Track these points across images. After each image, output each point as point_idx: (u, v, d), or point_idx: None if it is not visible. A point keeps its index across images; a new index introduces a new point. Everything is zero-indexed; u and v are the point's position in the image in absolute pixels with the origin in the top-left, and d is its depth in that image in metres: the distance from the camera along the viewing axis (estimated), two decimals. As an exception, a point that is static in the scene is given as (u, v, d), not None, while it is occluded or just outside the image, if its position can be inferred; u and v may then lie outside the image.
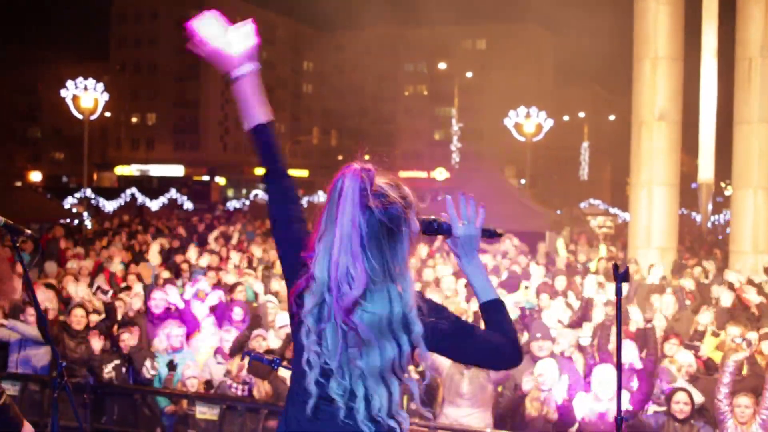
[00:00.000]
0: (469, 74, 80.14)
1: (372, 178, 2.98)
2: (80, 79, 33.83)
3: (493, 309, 3.19)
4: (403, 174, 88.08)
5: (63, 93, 34.02)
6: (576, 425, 8.23)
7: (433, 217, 3.22)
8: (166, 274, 14.40)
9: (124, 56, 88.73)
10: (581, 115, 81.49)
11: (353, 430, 2.97)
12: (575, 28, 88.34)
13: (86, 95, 33.78)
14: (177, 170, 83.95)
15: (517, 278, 13.01)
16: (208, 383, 9.36)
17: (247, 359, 4.58)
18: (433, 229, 3.20)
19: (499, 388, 8.85)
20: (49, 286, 12.13)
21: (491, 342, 3.14)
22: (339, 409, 2.95)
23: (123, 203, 42.77)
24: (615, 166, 77.50)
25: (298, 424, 3.05)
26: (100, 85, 34.39)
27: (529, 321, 10.33)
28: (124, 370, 9.59)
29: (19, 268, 4.00)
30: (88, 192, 38.24)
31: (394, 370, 2.96)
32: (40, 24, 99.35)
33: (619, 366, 3.35)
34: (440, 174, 73.45)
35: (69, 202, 36.81)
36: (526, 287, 13.11)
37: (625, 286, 15.58)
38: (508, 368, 3.28)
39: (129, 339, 9.67)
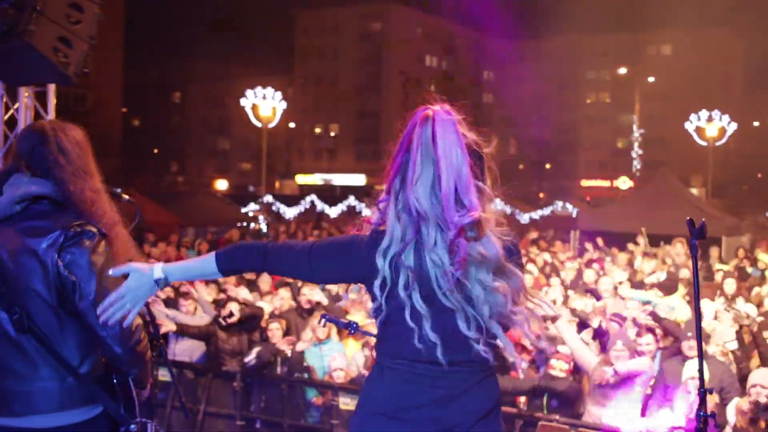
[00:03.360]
0: (651, 79, 78.02)
1: (459, 120, 3.06)
2: (259, 88, 34.95)
3: None
4: (585, 183, 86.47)
5: (243, 102, 35.24)
6: (730, 428, 7.86)
7: None
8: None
9: (307, 69, 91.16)
10: (773, 120, 77.97)
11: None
12: (767, 29, 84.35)
13: (264, 104, 34.85)
14: (359, 179, 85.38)
15: (676, 281, 12.50)
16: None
17: (323, 321, 4.59)
18: None
19: (647, 390, 8.58)
20: (212, 280, 12.66)
21: None
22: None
23: (303, 210, 43.76)
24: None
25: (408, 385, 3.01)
26: (278, 94, 35.38)
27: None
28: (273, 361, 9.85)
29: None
30: (269, 198, 39.39)
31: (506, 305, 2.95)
32: (229, 41, 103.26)
33: (699, 337, 3.17)
34: (623, 183, 71.78)
35: (250, 208, 37.99)
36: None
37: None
38: None
39: (277, 330, 9.94)
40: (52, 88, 7.59)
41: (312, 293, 11.09)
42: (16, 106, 7.61)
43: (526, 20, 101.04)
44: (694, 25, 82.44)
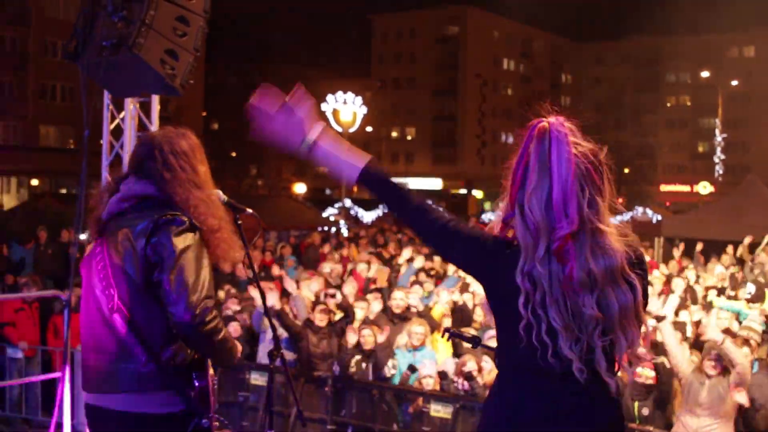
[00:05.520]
0: (734, 83, 76.65)
1: (573, 130, 3.06)
2: (340, 93, 35.26)
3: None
4: (664, 188, 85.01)
5: (323, 107, 35.61)
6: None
7: None
8: (412, 277, 14.73)
9: (384, 73, 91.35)
10: None
11: (591, 390, 2.95)
12: None
13: (345, 108, 35.15)
14: (435, 183, 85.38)
15: (764, 291, 12.30)
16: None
17: (446, 336, 4.63)
18: None
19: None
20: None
21: None
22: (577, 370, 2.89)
23: (381, 214, 43.86)
24: None
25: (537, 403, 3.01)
26: (359, 99, 35.68)
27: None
28: (364, 366, 9.92)
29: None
30: (348, 202, 39.68)
31: (628, 317, 2.93)
32: (308, 44, 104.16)
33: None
34: (704, 188, 70.57)
35: (329, 212, 38.29)
36: None
37: None
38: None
39: (369, 336, 10.01)
40: (156, 98, 7.79)
41: (406, 298, 11.21)
42: (121, 116, 7.82)
43: (604, 22, 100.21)
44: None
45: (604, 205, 3.01)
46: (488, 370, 9.08)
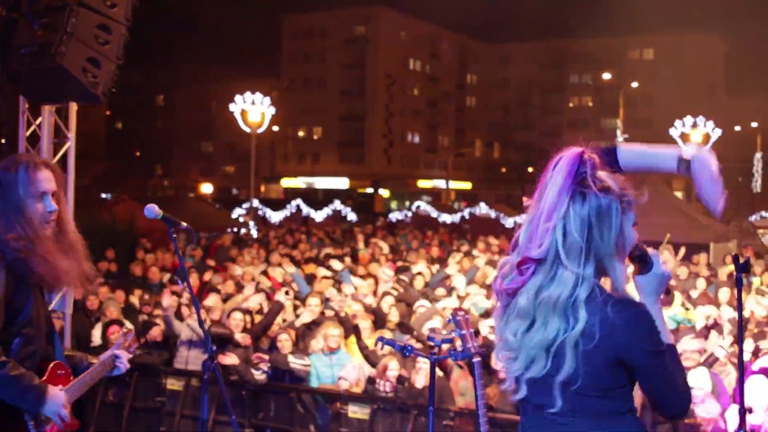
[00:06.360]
0: (634, 84, 78.52)
1: (593, 163, 3.00)
2: (248, 93, 35.10)
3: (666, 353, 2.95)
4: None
5: (232, 107, 35.39)
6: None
7: (644, 247, 3.08)
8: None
9: (293, 72, 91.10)
10: (754, 125, 78.32)
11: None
12: (749, 34, 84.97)
13: (253, 109, 35.01)
14: (342, 182, 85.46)
15: (672, 290, 12.62)
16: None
17: (380, 344, 4.74)
18: (636, 257, 3.06)
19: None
20: (213, 289, 12.84)
21: (677, 379, 2.95)
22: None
23: (288, 214, 43.74)
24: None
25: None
26: (267, 100, 35.55)
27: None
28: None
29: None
30: (255, 203, 39.49)
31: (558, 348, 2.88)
32: (215, 44, 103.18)
33: (740, 364, 3.34)
34: (606, 187, 72.00)
35: (237, 212, 38.04)
36: (683, 305, 12.72)
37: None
38: (675, 414, 3.01)
39: (286, 341, 10.06)
40: (73, 104, 7.73)
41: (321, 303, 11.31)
42: (38, 122, 7.73)
43: (510, 24, 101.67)
44: (676, 28, 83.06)
45: (605, 248, 2.93)
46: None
